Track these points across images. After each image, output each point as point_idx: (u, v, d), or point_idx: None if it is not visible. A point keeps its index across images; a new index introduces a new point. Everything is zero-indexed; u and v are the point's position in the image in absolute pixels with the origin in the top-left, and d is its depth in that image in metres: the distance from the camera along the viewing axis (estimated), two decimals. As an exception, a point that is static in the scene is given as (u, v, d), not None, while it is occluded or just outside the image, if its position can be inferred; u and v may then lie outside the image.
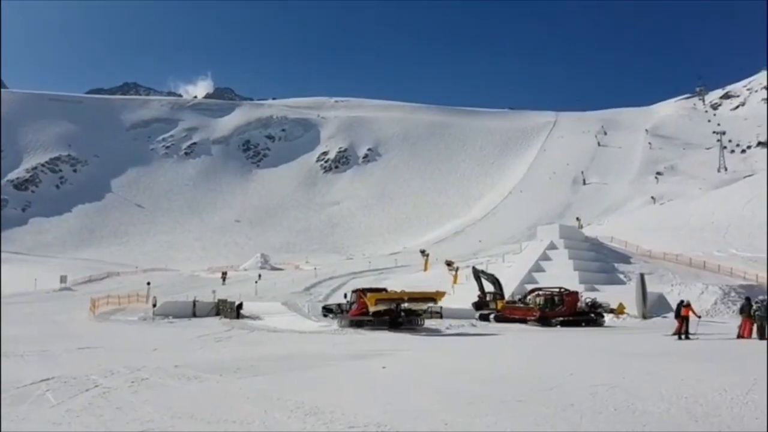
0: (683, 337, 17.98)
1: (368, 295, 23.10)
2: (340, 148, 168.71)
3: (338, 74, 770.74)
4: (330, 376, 10.91)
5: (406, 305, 23.30)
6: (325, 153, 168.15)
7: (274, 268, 75.81)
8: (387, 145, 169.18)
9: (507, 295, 31.57)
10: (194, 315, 30.87)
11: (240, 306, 30.47)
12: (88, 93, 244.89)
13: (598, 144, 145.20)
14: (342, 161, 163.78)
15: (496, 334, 21.50)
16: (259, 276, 51.01)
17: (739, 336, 17.53)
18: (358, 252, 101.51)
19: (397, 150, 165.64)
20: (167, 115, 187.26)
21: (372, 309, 22.27)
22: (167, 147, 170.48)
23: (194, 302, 32.29)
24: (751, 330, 17.29)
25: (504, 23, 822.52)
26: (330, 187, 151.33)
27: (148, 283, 43.03)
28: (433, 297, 24.25)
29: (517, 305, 28.79)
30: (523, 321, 27.04)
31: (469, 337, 20.55)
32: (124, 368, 11.54)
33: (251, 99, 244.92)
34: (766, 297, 19.53)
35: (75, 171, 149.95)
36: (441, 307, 28.12)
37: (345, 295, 26.42)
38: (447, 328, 23.73)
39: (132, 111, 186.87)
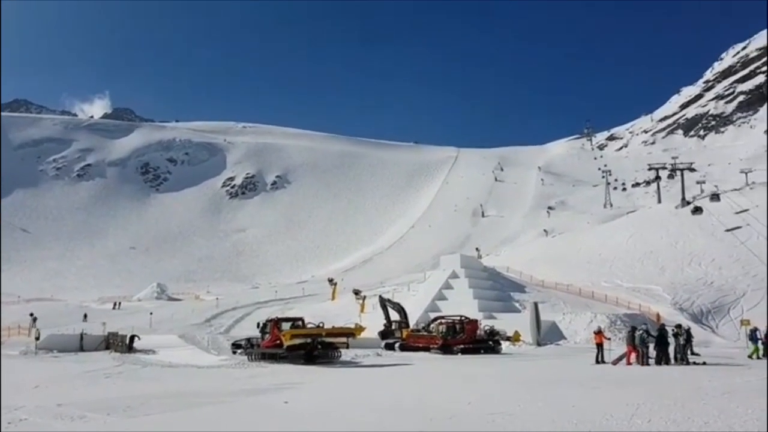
0: (600, 362, 19.72)
1: (284, 330, 22.19)
2: (248, 173, 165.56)
3: (246, 99, 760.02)
4: (226, 414, 10.59)
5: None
6: (231, 178, 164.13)
7: (171, 299, 71.98)
8: (296, 172, 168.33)
9: (412, 324, 32.27)
10: (82, 349, 28.82)
11: (132, 339, 28.76)
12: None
13: (496, 179, 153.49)
14: (249, 187, 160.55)
15: (400, 364, 21.89)
16: (151, 313, 48.09)
17: (628, 363, 19.06)
18: (264, 281, 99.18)
19: (307, 178, 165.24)
20: (60, 135, 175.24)
21: (287, 343, 21.46)
22: (58, 168, 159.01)
23: (82, 335, 30.11)
24: (638, 357, 18.90)
25: (408, 59, 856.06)
26: (236, 214, 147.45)
27: (32, 314, 39.75)
28: (352, 332, 23.47)
29: (420, 334, 29.48)
30: (427, 349, 27.70)
31: (374, 367, 20.81)
32: None
33: (152, 121, 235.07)
34: (644, 326, 21.74)
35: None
36: (357, 324, 28.11)
37: (258, 324, 25.38)
38: (353, 359, 23.77)
39: (21, 129, 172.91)
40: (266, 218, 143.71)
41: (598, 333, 21.11)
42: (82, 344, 29.27)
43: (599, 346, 20.42)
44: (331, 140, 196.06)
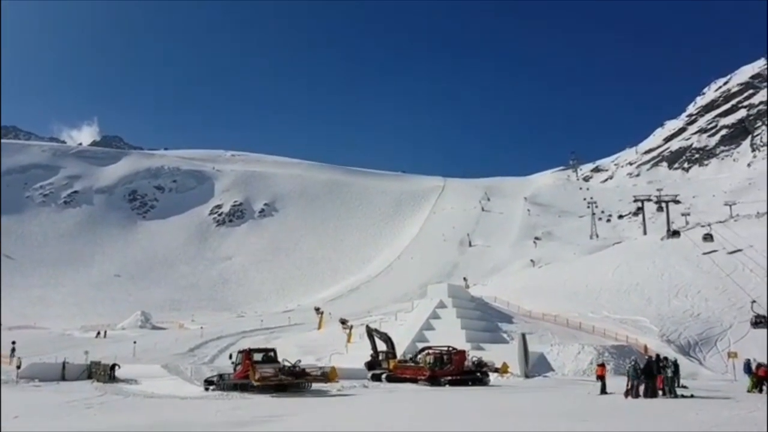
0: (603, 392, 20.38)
1: (254, 370, 21.96)
2: (235, 201, 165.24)
3: (234, 127, 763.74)
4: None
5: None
6: (219, 206, 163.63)
7: (155, 327, 70.93)
8: (284, 200, 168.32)
9: (399, 354, 32.00)
10: (64, 378, 28.27)
11: (113, 368, 28.27)
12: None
13: (483, 209, 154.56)
14: (236, 215, 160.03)
15: (386, 395, 21.70)
16: (135, 342, 47.39)
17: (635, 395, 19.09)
18: (250, 309, 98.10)
19: (294, 206, 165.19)
20: (48, 162, 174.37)
21: (256, 377, 21.39)
22: (45, 195, 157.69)
23: (64, 364, 29.55)
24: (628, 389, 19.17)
25: (395, 89, 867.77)
26: (222, 241, 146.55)
27: (13, 343, 39.00)
28: (326, 378, 23.37)
29: (408, 364, 29.18)
30: (414, 380, 27.37)
31: (359, 399, 20.59)
32: (-24, 441, 10.41)
33: (141, 148, 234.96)
34: (634, 358, 21.94)
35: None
36: (333, 368, 27.95)
37: (230, 356, 25.14)
38: (338, 390, 23.49)
39: (8, 155, 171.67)
40: (253, 246, 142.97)
41: (601, 366, 22.00)
42: (64, 373, 28.72)
43: (601, 378, 21.12)
44: (318, 169, 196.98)
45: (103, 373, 27.83)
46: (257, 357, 23.64)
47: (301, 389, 22.43)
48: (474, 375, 27.35)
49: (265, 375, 21.34)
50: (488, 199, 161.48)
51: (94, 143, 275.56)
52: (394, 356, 31.07)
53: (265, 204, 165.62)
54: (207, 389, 23.84)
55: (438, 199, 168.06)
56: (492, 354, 31.84)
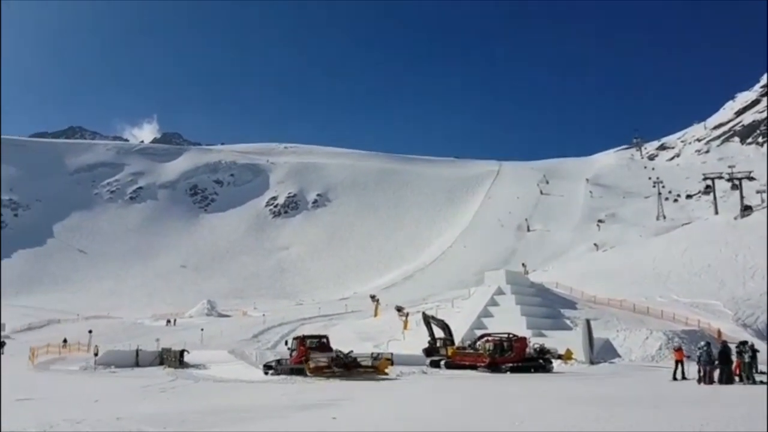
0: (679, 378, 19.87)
1: (309, 359, 22.90)
2: (290, 193, 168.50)
3: (287, 120, 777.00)
4: (279, 428, 10.66)
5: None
6: (274, 198, 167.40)
7: (220, 315, 73.73)
8: (336, 190, 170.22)
9: (457, 341, 31.76)
10: (137, 364, 29.76)
11: (182, 353, 29.54)
12: (31, 136, 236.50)
13: (541, 192, 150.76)
14: (291, 206, 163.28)
15: (446, 381, 21.59)
16: (202, 329, 49.37)
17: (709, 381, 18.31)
18: (308, 297, 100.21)
19: (347, 196, 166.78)
20: (113, 160, 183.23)
21: (312, 365, 22.32)
22: (112, 191, 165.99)
23: (137, 351, 31.11)
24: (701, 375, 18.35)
25: (447, 74, 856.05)
26: (279, 232, 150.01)
27: (90, 332, 41.51)
28: (376, 369, 23.39)
29: (467, 351, 28.87)
30: (474, 367, 27.06)
31: (420, 385, 20.57)
32: (63, 421, 11.05)
33: (199, 144, 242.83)
34: (706, 343, 20.86)
35: (16, 215, 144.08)
36: (392, 354, 28.08)
37: (286, 342, 26.26)
38: (398, 375, 23.54)
39: (77, 155, 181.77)
40: (308, 236, 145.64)
41: (678, 350, 21.45)
42: (137, 360, 30.20)
43: (679, 362, 20.51)
44: (370, 158, 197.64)
45: (174, 359, 29.10)
46: (311, 343, 24.64)
47: (356, 376, 22.82)
48: (536, 362, 26.75)
49: (319, 365, 22.17)
50: (547, 182, 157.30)
51: (154, 140, 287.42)
52: (453, 343, 30.84)
53: (318, 194, 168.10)
54: (266, 373, 24.85)
55: (493, 184, 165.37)
56: (554, 341, 31.09)
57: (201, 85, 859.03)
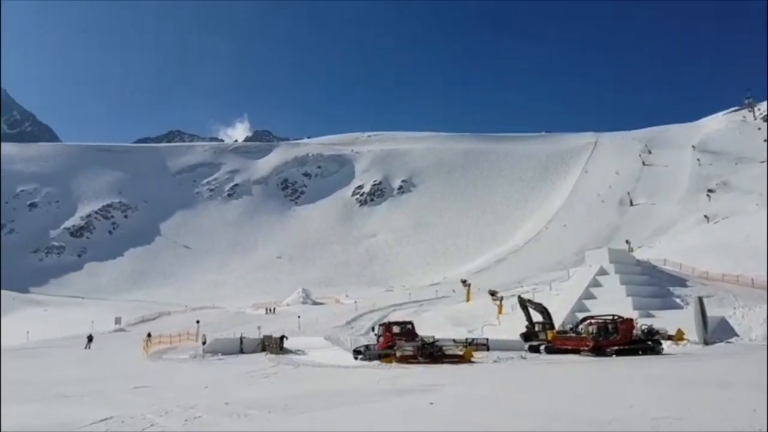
0: None
1: (396, 347, 23.41)
2: (375, 180, 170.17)
3: (371, 109, 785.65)
4: (377, 413, 10.64)
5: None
6: (360, 187, 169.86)
7: (315, 303, 76.29)
8: (421, 175, 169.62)
9: (557, 325, 30.56)
10: (242, 351, 31.28)
11: (282, 339, 30.79)
12: (136, 142, 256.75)
13: (643, 163, 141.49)
14: (377, 194, 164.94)
15: (547, 366, 20.74)
16: (299, 317, 51.23)
17: None
18: (398, 283, 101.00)
19: (432, 180, 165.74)
20: (210, 160, 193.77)
21: (398, 354, 22.82)
22: (211, 190, 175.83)
23: (241, 339, 32.75)
24: None
25: (536, 43, 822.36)
26: (366, 220, 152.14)
27: (197, 322, 44.07)
28: (460, 357, 23.28)
29: (568, 335, 27.69)
30: (576, 351, 25.88)
31: (519, 370, 19.87)
32: (177, 407, 11.64)
33: (287, 139, 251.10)
34: None
35: (126, 217, 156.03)
36: (487, 339, 27.53)
37: (372, 329, 27.05)
38: (495, 361, 22.98)
39: (177, 157, 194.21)
40: (395, 222, 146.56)
41: None
42: (241, 347, 31.76)
43: None
44: (454, 139, 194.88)
45: (275, 345, 30.33)
46: (396, 330, 25.40)
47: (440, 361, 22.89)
48: (644, 344, 25.16)
49: (405, 354, 22.58)
50: (649, 152, 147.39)
51: (247, 139, 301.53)
52: (552, 327, 29.67)
53: (403, 180, 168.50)
54: (356, 358, 25.51)
55: (590, 158, 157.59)
56: (664, 321, 29.12)
57: (287, 83, 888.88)
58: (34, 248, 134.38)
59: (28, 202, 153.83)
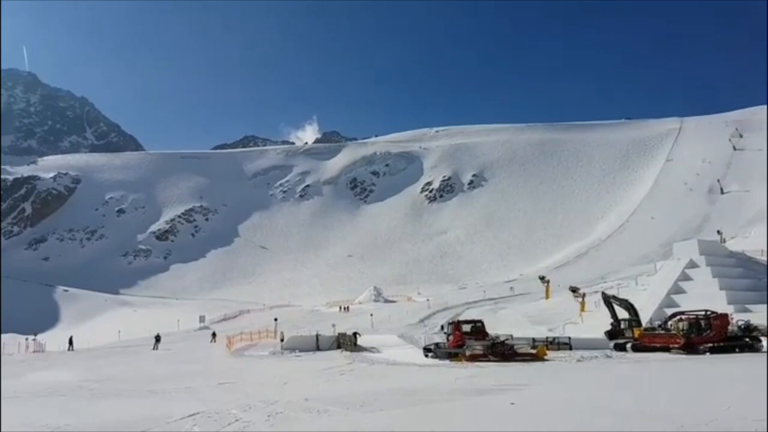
0: None
1: (466, 346, 23.26)
2: (444, 176, 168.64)
3: (438, 104, 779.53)
4: (456, 412, 10.44)
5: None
6: (429, 183, 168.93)
7: (387, 301, 76.69)
8: (493, 169, 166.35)
9: (644, 322, 29.01)
10: (318, 348, 31.87)
11: (356, 335, 31.17)
12: (214, 149, 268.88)
13: (734, 148, 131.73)
14: (446, 189, 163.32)
15: (635, 365, 19.63)
16: (371, 314, 51.65)
17: None
18: (471, 281, 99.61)
19: (505, 173, 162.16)
20: (282, 162, 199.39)
21: (468, 353, 22.65)
22: (284, 191, 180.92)
23: (317, 336, 33.36)
24: None
25: (612, 23, 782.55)
26: (436, 217, 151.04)
27: (275, 320, 45.42)
28: (532, 356, 23.02)
29: (657, 332, 26.19)
30: (666, 349, 24.42)
31: (604, 369, 18.90)
32: (260, 402, 11.93)
33: (355, 139, 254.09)
34: None
35: (207, 219, 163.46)
36: (569, 338, 26.67)
37: (441, 327, 26.94)
38: (578, 360, 22.04)
39: (252, 161, 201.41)
40: (466, 218, 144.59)
41: None
42: (317, 344, 32.35)
43: None
44: (527, 130, 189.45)
45: (349, 342, 30.65)
46: (466, 328, 25.23)
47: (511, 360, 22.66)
48: (741, 341, 23.49)
49: (475, 353, 22.46)
50: (741, 136, 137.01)
51: (316, 140, 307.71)
52: (639, 324, 28.14)
53: (474, 175, 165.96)
54: (426, 356, 25.56)
55: (674, 144, 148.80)
56: (763, 316, 26.96)
57: (354, 83, 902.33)
58: (123, 252, 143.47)
59: (117, 209, 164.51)
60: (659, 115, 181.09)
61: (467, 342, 23.66)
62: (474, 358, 22.35)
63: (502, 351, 22.63)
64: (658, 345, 24.98)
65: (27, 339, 54.75)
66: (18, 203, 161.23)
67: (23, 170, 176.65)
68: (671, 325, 25.49)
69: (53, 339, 57.70)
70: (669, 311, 29.55)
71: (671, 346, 24.25)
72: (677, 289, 35.16)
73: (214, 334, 46.40)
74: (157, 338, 42.29)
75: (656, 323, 27.98)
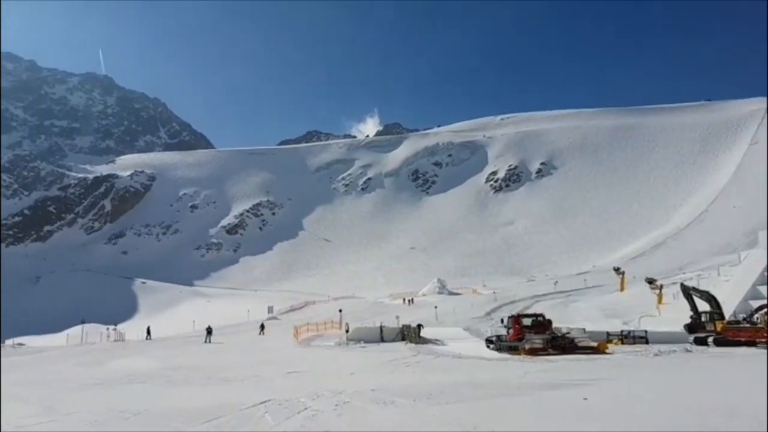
0: None
1: (525, 339, 23.15)
2: (510, 165, 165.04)
3: (502, 91, 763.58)
4: (526, 406, 10.13)
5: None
6: (494, 173, 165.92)
7: (451, 293, 76.01)
8: (562, 156, 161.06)
9: (727, 314, 27.27)
10: (382, 339, 32.03)
11: (419, 327, 31.12)
12: (279, 144, 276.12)
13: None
14: (513, 179, 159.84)
15: (718, 360, 18.42)
16: (436, 307, 51.36)
17: None
18: (540, 273, 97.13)
19: (575, 160, 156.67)
20: (344, 156, 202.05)
21: (527, 347, 22.50)
22: (346, 185, 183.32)
23: (381, 328, 33.52)
24: None
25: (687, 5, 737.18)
26: (501, 207, 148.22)
27: (340, 311, 46.10)
28: (594, 349, 22.63)
29: (741, 325, 24.62)
30: (752, 344, 22.93)
31: (684, 364, 17.85)
32: (327, 391, 12.08)
33: (417, 130, 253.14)
34: None
35: (273, 214, 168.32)
36: (646, 331, 25.61)
37: (501, 320, 26.60)
38: (655, 354, 20.97)
39: (315, 156, 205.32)
40: (534, 208, 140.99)
41: None
42: (382, 335, 32.54)
43: None
44: (598, 115, 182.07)
45: (414, 334, 30.66)
46: (526, 322, 25.00)
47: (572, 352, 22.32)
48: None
49: (534, 347, 22.32)
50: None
51: (378, 133, 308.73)
52: (722, 317, 26.46)
53: (542, 163, 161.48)
54: (488, 347, 25.67)
55: (760, 126, 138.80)
56: None
57: (414, 74, 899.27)
58: (196, 245, 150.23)
59: (190, 204, 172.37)
60: (742, 95, 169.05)
61: (526, 335, 23.56)
62: (533, 351, 22.13)
63: (562, 344, 22.49)
64: (743, 339, 23.60)
65: (108, 329, 58.43)
66: (98, 200, 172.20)
67: (102, 169, 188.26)
68: (758, 318, 24.14)
69: (132, 329, 61.29)
70: (755, 303, 27.69)
71: (758, 340, 22.93)
72: (763, 281, 32.85)
73: (262, 326, 46.63)
74: (209, 331, 40.19)
75: (741, 316, 26.38)
